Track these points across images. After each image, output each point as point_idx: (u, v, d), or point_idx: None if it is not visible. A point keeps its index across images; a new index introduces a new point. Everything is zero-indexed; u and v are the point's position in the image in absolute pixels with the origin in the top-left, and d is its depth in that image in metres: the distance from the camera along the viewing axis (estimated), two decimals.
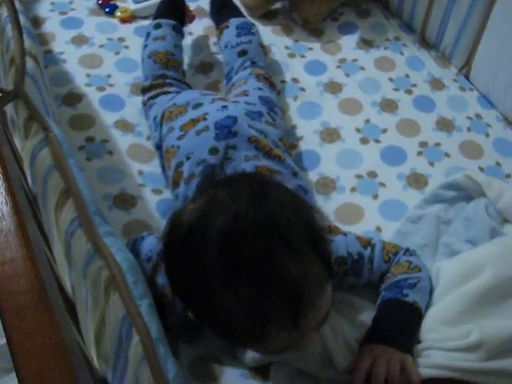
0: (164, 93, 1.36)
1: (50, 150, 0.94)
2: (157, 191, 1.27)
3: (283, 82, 1.51)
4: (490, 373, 0.94)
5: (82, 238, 0.85)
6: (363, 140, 1.39)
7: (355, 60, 1.57)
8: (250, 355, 1.01)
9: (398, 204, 1.27)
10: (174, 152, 1.20)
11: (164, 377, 0.72)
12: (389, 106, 1.46)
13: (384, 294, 1.05)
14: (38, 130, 0.98)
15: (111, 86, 1.47)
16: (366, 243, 1.08)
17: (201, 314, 0.92)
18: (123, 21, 1.64)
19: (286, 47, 1.60)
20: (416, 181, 1.31)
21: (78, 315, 0.96)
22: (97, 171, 1.29)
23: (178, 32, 1.49)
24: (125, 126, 1.38)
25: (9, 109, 1.12)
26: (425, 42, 1.63)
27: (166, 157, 1.24)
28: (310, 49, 1.60)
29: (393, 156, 1.36)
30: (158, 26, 1.47)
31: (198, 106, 1.26)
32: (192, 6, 1.66)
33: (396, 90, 1.50)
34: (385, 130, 1.41)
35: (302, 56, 1.58)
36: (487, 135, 1.41)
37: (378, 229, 1.23)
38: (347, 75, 1.53)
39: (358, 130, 1.41)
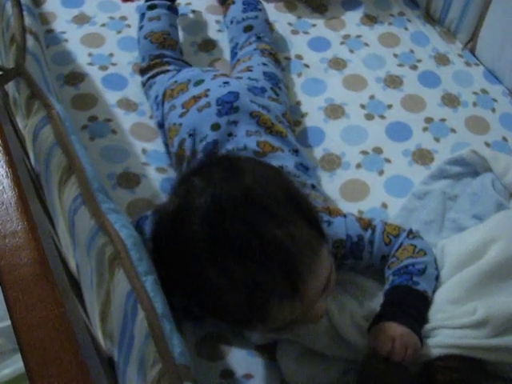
0: (163, 72, 1.35)
1: (52, 127, 0.94)
2: (161, 169, 1.26)
3: (287, 58, 1.49)
4: (498, 349, 0.93)
5: (85, 215, 0.84)
6: (368, 116, 1.38)
7: (359, 36, 1.55)
8: (257, 334, 1.00)
9: (404, 180, 1.26)
10: (177, 130, 1.19)
11: (169, 353, 0.71)
12: (394, 81, 1.45)
13: (393, 278, 1.03)
14: (40, 107, 0.97)
15: (114, 64, 1.46)
16: (367, 225, 1.06)
17: (199, 303, 0.91)
18: None
19: (290, 24, 1.59)
20: (422, 157, 1.30)
21: (83, 294, 0.96)
22: (100, 150, 1.28)
23: (173, 11, 1.48)
24: (128, 104, 1.37)
25: (11, 89, 1.11)
26: (429, 17, 1.61)
27: (168, 135, 1.23)
28: (314, 25, 1.59)
29: (398, 132, 1.35)
30: (152, 7, 1.46)
31: (199, 82, 1.25)
32: None
33: (401, 65, 1.49)
34: (390, 106, 1.40)
35: (306, 32, 1.56)
36: (493, 110, 1.40)
37: (384, 205, 1.22)
38: (351, 51, 1.52)
39: (362, 106, 1.40)
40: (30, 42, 1.10)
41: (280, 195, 0.85)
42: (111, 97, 1.39)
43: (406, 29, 1.58)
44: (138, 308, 0.75)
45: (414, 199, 1.21)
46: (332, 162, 1.29)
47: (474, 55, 1.51)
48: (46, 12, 1.57)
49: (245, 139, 1.13)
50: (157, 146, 1.30)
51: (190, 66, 1.41)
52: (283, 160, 1.13)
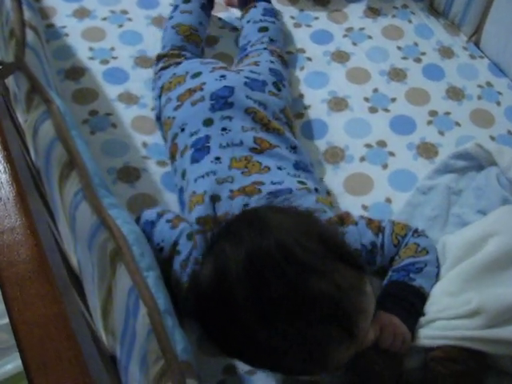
0: (175, 64, 1.33)
1: (52, 121, 0.93)
2: (161, 163, 1.25)
3: (289, 53, 1.48)
4: (492, 341, 0.93)
5: (86, 210, 0.83)
6: (372, 109, 1.37)
7: (362, 29, 1.54)
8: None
9: (408, 174, 1.25)
10: (170, 123, 1.19)
11: (172, 349, 0.71)
12: (397, 74, 1.44)
13: (391, 274, 1.03)
14: (40, 102, 0.96)
15: (115, 58, 1.45)
16: (377, 229, 1.05)
17: (253, 362, 0.88)
18: None
19: (292, 17, 1.57)
20: (426, 150, 1.29)
21: (84, 291, 0.95)
22: (100, 145, 1.27)
23: (206, 11, 1.47)
24: (129, 98, 1.37)
25: (11, 84, 1.10)
26: (433, 10, 1.59)
27: (164, 128, 1.22)
28: (316, 18, 1.57)
29: (402, 125, 1.34)
30: (187, 1, 1.45)
31: (196, 75, 1.24)
32: None
33: (405, 58, 1.47)
34: (394, 99, 1.39)
35: (308, 26, 1.55)
36: (498, 103, 1.39)
37: (388, 200, 1.21)
38: (354, 44, 1.50)
39: (366, 99, 1.38)
40: (30, 36, 1.08)
41: (314, 244, 0.82)
42: (112, 91, 1.38)
43: (410, 21, 1.56)
44: (140, 304, 0.74)
45: (419, 194, 1.20)
46: (335, 155, 1.28)
47: (479, 48, 1.50)
48: (46, 6, 1.56)
49: (240, 135, 1.12)
50: (158, 138, 1.29)
51: None
52: (281, 158, 1.11)
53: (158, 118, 1.28)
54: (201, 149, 1.11)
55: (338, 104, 1.38)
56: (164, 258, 0.99)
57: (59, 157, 0.90)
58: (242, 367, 0.99)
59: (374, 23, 1.55)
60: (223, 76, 1.22)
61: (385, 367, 0.92)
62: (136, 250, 0.78)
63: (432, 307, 0.99)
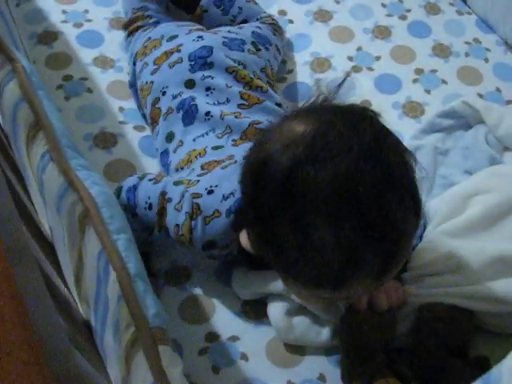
0: (142, 27, 1.28)
1: (17, 81, 0.89)
2: (139, 127, 1.21)
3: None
4: (475, 298, 0.93)
5: (53, 172, 0.80)
6: (356, 68, 1.33)
7: None
8: (248, 290, 0.99)
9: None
10: (149, 88, 1.14)
11: (143, 315, 0.68)
12: (382, 32, 1.39)
13: None
14: (5, 61, 0.92)
15: (89, 21, 1.39)
16: None
17: (285, 253, 0.81)
18: None
19: None
20: (412, 109, 1.26)
21: (58, 258, 0.92)
22: (76, 110, 1.23)
23: None
24: (104, 62, 1.32)
25: None
26: None
27: (141, 95, 1.17)
28: None
29: (387, 84, 1.30)
30: None
31: (172, 38, 1.19)
32: None
33: (389, 15, 1.43)
34: (378, 58, 1.35)
35: None
36: (486, 60, 1.35)
37: None
38: (337, 2, 1.45)
39: (350, 59, 1.34)
40: None
41: (406, 179, 0.81)
42: (87, 55, 1.33)
43: None
44: (110, 269, 0.71)
45: None
46: None
47: (466, 3, 1.45)
48: None
49: (226, 92, 1.08)
50: (134, 104, 1.24)
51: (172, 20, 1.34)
52: (270, 112, 1.08)
53: (132, 84, 1.23)
54: (188, 110, 1.07)
55: (320, 65, 1.33)
56: (155, 214, 0.95)
57: (25, 118, 0.86)
58: (225, 334, 0.98)
59: None
60: (200, 37, 1.17)
61: (374, 328, 0.91)
62: (105, 212, 0.75)
63: (416, 262, 0.97)
